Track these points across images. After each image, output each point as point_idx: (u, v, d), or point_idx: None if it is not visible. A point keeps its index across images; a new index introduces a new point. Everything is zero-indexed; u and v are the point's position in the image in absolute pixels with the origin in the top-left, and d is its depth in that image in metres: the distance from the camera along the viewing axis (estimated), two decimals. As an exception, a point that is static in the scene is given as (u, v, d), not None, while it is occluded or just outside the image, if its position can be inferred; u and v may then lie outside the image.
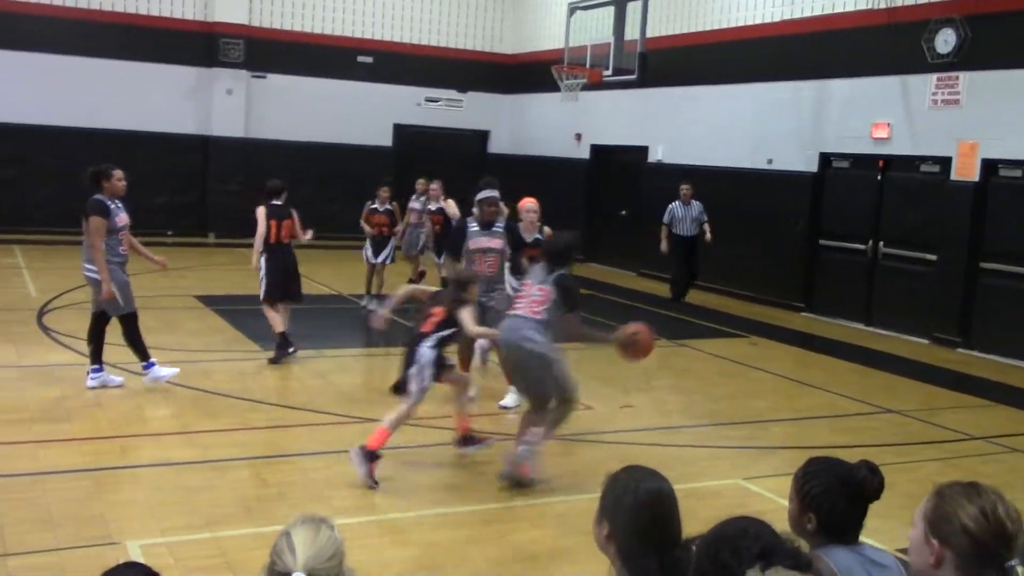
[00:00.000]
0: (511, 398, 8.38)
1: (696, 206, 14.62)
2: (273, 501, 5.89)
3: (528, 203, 9.07)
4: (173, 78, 18.97)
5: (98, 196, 8.03)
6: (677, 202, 14.67)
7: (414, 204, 13.97)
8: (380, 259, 13.00)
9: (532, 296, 6.48)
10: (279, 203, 9.68)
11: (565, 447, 7.39)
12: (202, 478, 6.26)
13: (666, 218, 14.77)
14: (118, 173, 8.18)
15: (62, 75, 17.96)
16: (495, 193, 8.65)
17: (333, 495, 6.05)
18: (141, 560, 4.66)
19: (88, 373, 8.19)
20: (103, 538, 5.17)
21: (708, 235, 14.50)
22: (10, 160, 17.60)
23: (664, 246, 14.75)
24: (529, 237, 8.95)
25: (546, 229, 8.91)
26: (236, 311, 11.89)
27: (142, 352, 8.20)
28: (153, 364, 8.21)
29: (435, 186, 13.42)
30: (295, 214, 9.72)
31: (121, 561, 4.68)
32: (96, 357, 8.18)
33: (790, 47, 14.83)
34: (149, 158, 18.54)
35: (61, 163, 17.72)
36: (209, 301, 12.53)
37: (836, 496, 2.71)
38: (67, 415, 7.41)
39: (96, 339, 8.17)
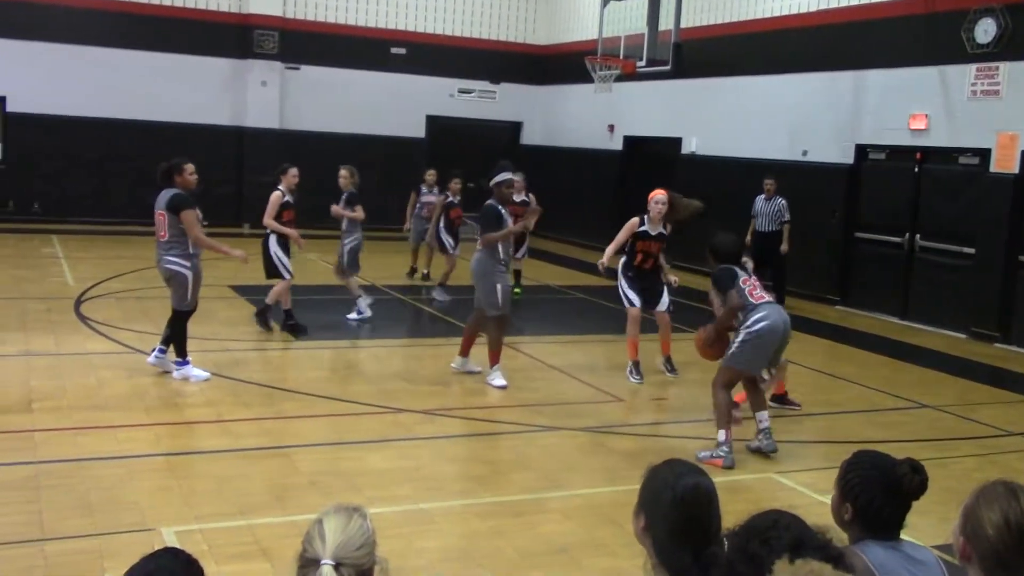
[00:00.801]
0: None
1: (777, 202, 13.94)
2: (304, 490, 5.93)
3: (658, 195, 9.53)
4: (209, 70, 19.12)
5: (177, 190, 8.20)
6: (761, 196, 14.20)
7: (430, 197, 14.31)
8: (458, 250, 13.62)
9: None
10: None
11: (597, 439, 7.38)
12: (235, 466, 6.32)
13: (752, 211, 14.31)
14: (189, 167, 8.44)
15: (101, 67, 18.15)
16: (510, 175, 8.91)
17: (364, 484, 6.08)
18: (176, 546, 4.72)
19: (153, 350, 8.40)
20: (139, 524, 5.24)
21: (784, 244, 13.78)
22: (50, 151, 17.80)
23: (747, 240, 13.96)
24: (654, 230, 9.48)
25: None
26: (270, 301, 11.95)
27: (182, 348, 8.30)
28: (187, 363, 8.30)
29: (519, 179, 12.93)
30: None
31: (157, 547, 4.75)
32: (168, 341, 8.35)
33: (827, 37, 14.68)
34: (185, 150, 18.62)
35: (100, 154, 17.97)
36: (243, 291, 12.64)
37: (874, 489, 2.71)
38: (104, 403, 7.51)
39: (181, 332, 8.32)
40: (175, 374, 8.27)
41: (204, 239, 8.29)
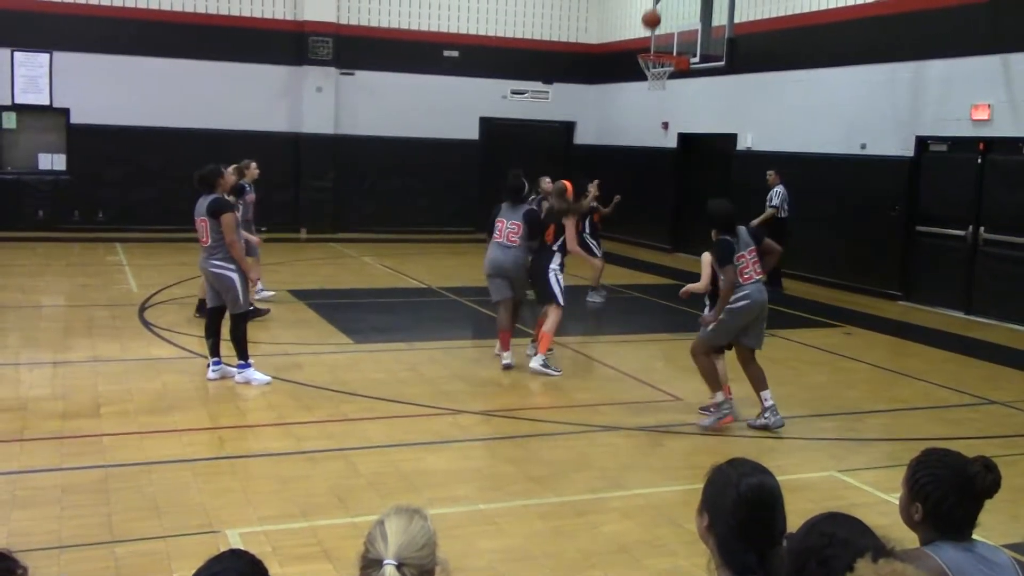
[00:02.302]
0: None
1: (773, 191, 14.91)
2: (365, 491, 5.99)
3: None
4: (265, 77, 19.40)
5: (216, 195, 8.37)
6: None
7: None
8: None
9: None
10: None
11: (654, 438, 7.35)
12: (297, 468, 6.40)
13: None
14: (230, 170, 8.86)
15: (160, 78, 18.52)
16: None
17: (424, 486, 6.12)
18: (241, 547, 4.79)
19: (208, 366, 8.48)
20: (205, 526, 5.33)
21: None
22: (113, 161, 18.20)
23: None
24: None
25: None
26: (328, 304, 12.12)
27: (243, 351, 8.43)
28: (249, 365, 8.43)
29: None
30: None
31: (223, 548, 4.83)
32: (215, 350, 8.48)
33: (884, 28, 14.44)
34: (242, 156, 18.94)
35: (161, 163, 18.31)
36: (301, 295, 12.79)
37: (945, 488, 2.64)
38: (169, 407, 7.66)
39: (215, 333, 8.47)
40: (237, 377, 8.40)
41: (237, 247, 8.31)
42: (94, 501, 5.65)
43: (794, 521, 2.38)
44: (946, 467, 2.69)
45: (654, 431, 7.48)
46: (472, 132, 21.19)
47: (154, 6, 18.56)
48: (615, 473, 6.55)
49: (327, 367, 9.20)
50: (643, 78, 17.66)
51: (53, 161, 18.35)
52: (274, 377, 8.53)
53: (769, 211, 14.79)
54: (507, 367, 9.21)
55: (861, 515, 2.20)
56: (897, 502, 2.84)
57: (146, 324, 10.70)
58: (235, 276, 8.28)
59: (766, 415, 7.44)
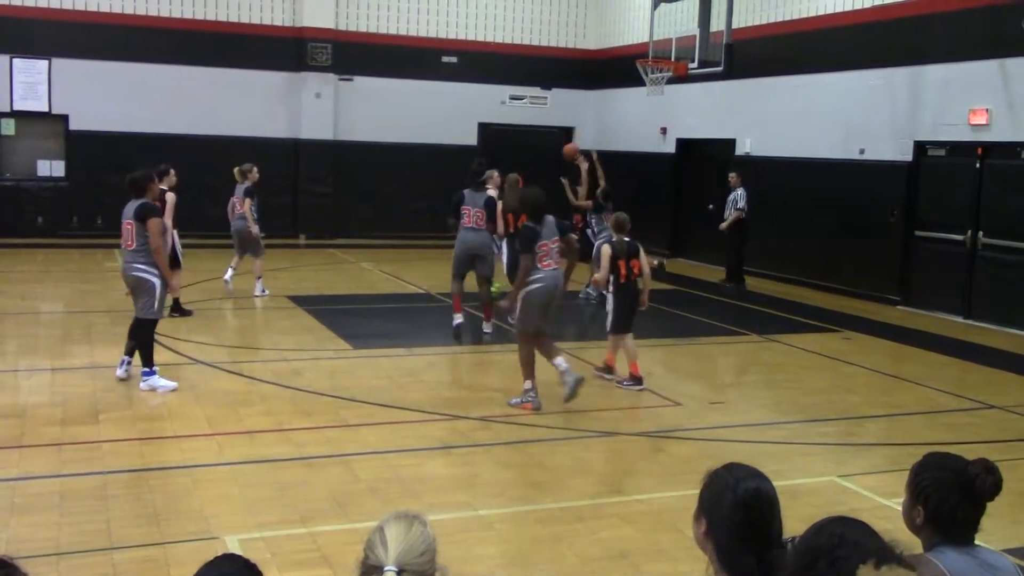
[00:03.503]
0: None
1: (735, 193, 15.71)
2: (365, 497, 5.98)
3: None
4: (264, 83, 19.40)
5: (145, 200, 8.49)
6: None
7: None
8: None
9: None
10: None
11: (654, 444, 7.34)
12: (296, 474, 6.39)
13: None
14: (155, 179, 9.06)
15: (158, 84, 18.51)
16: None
17: (423, 491, 6.12)
18: (240, 553, 4.78)
19: (142, 374, 8.36)
20: (203, 532, 5.32)
21: (723, 224, 15.89)
22: (112, 167, 18.16)
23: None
24: None
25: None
26: (327, 310, 12.11)
27: (148, 358, 8.34)
28: (154, 372, 8.33)
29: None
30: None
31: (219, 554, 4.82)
32: (132, 351, 8.50)
33: (882, 33, 14.45)
34: (242, 162, 18.98)
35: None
36: (301, 301, 12.78)
37: (946, 490, 2.64)
38: (168, 413, 7.64)
39: (148, 341, 8.43)
40: (141, 385, 8.27)
41: (162, 252, 8.41)
42: (93, 508, 5.63)
43: (796, 527, 2.37)
44: (947, 469, 2.69)
45: (654, 436, 7.48)
46: (471, 138, 21.19)
47: (153, 12, 18.57)
48: (615, 478, 6.55)
49: (326, 373, 9.19)
50: (642, 83, 17.67)
51: (52, 168, 18.34)
52: (273, 383, 8.52)
53: (735, 213, 15.59)
54: (458, 326, 10.72)
55: (863, 520, 2.19)
56: (898, 507, 2.84)
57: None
58: (156, 281, 8.31)
59: (564, 378, 7.90)
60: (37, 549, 4.97)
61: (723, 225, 15.80)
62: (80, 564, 4.93)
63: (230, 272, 13.01)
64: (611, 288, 8.87)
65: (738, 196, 15.66)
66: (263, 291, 12.92)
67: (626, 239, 9.02)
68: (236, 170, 13.41)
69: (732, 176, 15.88)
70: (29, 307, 12.12)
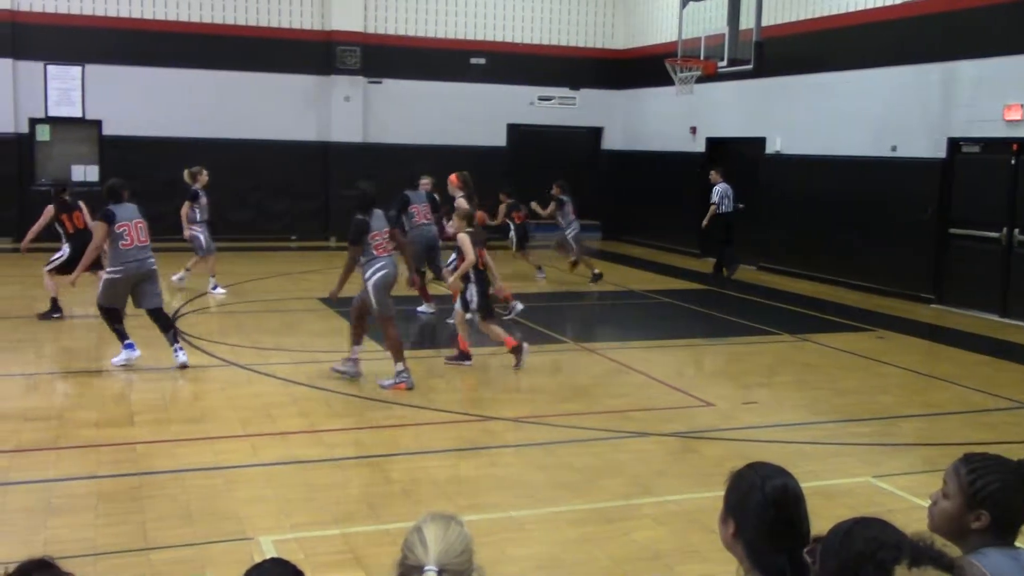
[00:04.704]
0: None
1: (715, 188, 16.24)
2: (397, 498, 6.00)
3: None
4: (294, 87, 19.53)
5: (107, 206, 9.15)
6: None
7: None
8: None
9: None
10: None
11: (686, 444, 7.31)
12: (329, 475, 6.42)
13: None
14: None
15: (189, 89, 18.70)
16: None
17: (455, 492, 6.12)
18: (274, 554, 4.81)
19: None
20: (237, 533, 5.36)
21: (704, 221, 16.47)
22: (144, 171, 18.33)
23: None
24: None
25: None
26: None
27: (119, 336, 9.13)
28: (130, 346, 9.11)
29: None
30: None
31: (255, 556, 4.85)
32: (122, 336, 9.15)
33: (913, 29, 14.31)
34: (273, 166, 19.16)
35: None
36: (331, 303, 12.79)
37: (1014, 494, 2.57)
38: (201, 415, 7.71)
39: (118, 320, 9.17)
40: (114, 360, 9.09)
41: (91, 249, 9.26)
42: (129, 509, 5.69)
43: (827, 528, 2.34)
44: (1010, 472, 2.60)
45: (686, 437, 7.45)
46: (500, 139, 21.21)
47: (184, 18, 18.74)
48: (646, 479, 6.52)
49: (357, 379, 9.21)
50: (670, 83, 17.63)
51: (86, 172, 18.56)
52: (305, 384, 8.57)
53: (711, 208, 16.20)
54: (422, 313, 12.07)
55: (897, 521, 2.16)
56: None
57: (179, 333, 10.76)
58: (105, 277, 9.11)
59: (347, 362, 8.72)
60: (75, 550, 5.03)
61: (704, 223, 16.38)
62: (117, 564, 4.98)
63: (183, 272, 13.76)
64: (472, 277, 9.37)
65: (713, 192, 16.18)
66: (215, 288, 13.33)
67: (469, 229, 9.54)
68: (186, 172, 13.90)
69: (713, 173, 16.39)
70: (64, 311, 12.24)
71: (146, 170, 18.35)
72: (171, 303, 12.63)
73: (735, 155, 18.50)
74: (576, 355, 10.52)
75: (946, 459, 2.86)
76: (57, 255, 11.25)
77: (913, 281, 14.32)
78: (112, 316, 9.16)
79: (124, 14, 18.41)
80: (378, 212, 8.86)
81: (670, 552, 5.31)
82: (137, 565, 4.95)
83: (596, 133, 22.33)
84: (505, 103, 20.99)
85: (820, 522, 2.46)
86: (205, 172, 13.78)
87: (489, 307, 9.60)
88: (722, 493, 2.59)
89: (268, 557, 2.41)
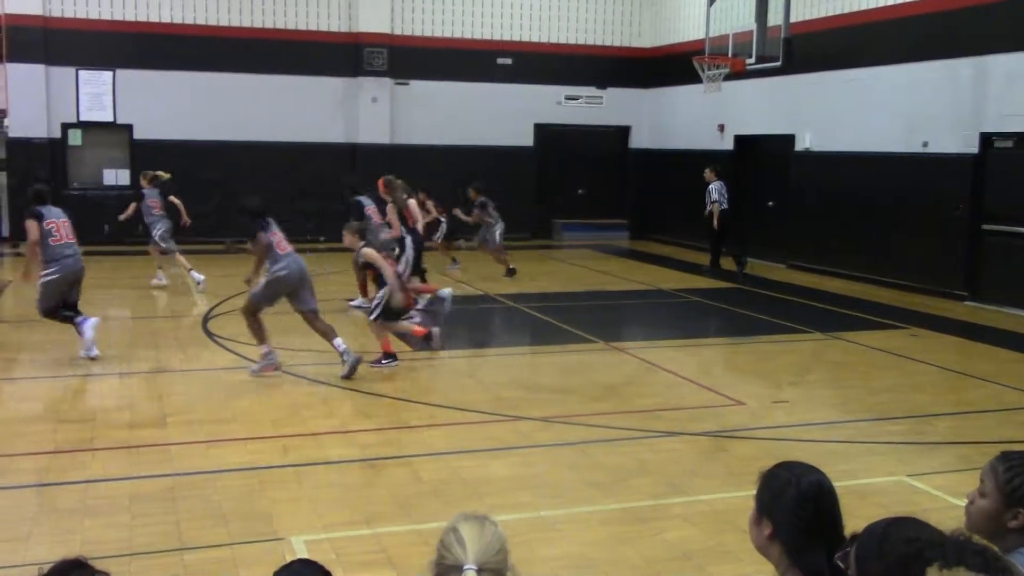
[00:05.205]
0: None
1: (709, 187, 16.38)
2: (428, 498, 6.01)
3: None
4: (322, 89, 19.64)
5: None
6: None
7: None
8: None
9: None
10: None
11: (717, 443, 7.28)
12: (360, 476, 6.45)
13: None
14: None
15: (218, 92, 18.86)
16: None
17: (485, 492, 6.13)
18: (306, 555, 4.84)
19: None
20: (270, 534, 5.39)
21: (715, 222, 16.47)
22: (175, 174, 18.45)
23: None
24: None
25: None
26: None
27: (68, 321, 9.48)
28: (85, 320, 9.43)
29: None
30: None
31: (288, 556, 4.88)
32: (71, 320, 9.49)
33: (944, 23, 14.16)
34: (301, 167, 19.27)
35: (220, 176, 18.61)
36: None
37: None
38: (233, 416, 7.76)
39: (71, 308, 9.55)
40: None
41: (30, 251, 9.55)
42: (162, 509, 5.74)
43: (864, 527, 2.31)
44: None
45: (716, 436, 7.41)
46: (527, 139, 21.22)
47: (212, 22, 18.90)
48: (677, 479, 6.49)
49: (386, 375, 9.25)
50: (698, 81, 17.55)
51: (117, 176, 18.75)
52: (335, 385, 8.61)
53: (713, 205, 16.26)
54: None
55: (933, 521, 2.13)
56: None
57: (209, 335, 10.87)
58: (41, 282, 9.35)
59: (344, 358, 8.82)
60: (110, 550, 5.07)
61: (715, 224, 16.45)
62: (151, 565, 5.02)
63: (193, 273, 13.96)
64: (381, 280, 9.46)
65: (712, 189, 16.31)
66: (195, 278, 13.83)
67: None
68: (151, 175, 14.69)
69: (707, 171, 16.55)
70: (97, 313, 12.34)
71: (176, 173, 18.51)
72: (199, 305, 12.75)
73: (764, 152, 18.41)
74: (605, 355, 10.49)
75: (982, 458, 2.83)
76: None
77: (946, 278, 14.17)
78: (55, 314, 9.52)
79: (154, 19, 18.59)
80: (269, 219, 9.20)
81: (701, 552, 5.28)
82: (171, 565, 4.99)
83: (623, 132, 22.27)
84: (532, 103, 20.99)
85: (854, 522, 2.44)
86: (151, 173, 14.69)
87: (391, 310, 9.46)
88: (754, 493, 2.58)
89: (297, 558, 2.42)
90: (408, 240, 11.91)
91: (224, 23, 18.98)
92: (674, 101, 21.03)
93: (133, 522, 5.55)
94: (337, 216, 19.71)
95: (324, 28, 19.70)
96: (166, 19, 18.66)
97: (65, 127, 18.44)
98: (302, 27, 19.53)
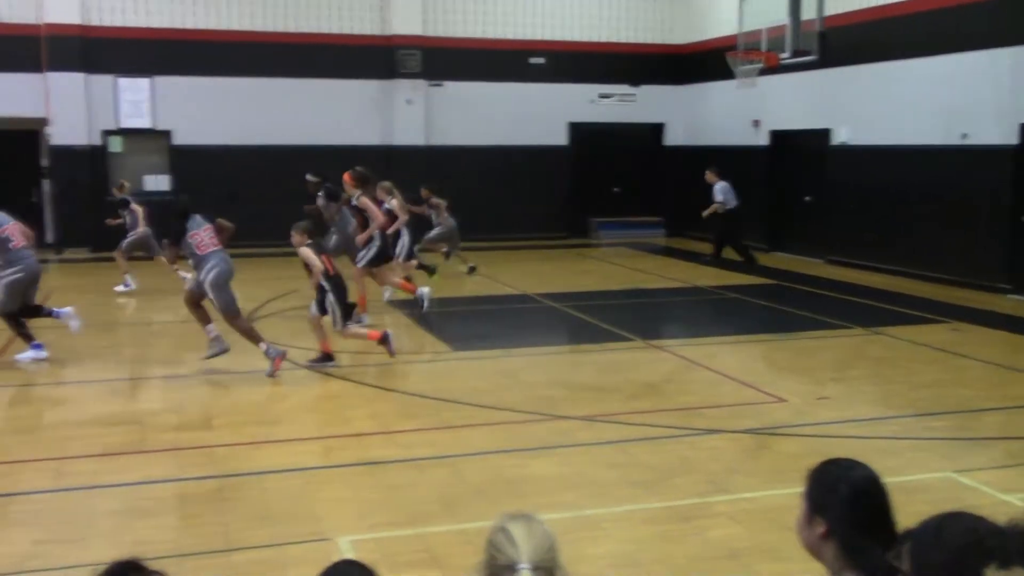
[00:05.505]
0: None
1: (714, 188, 16.99)
2: (472, 498, 6.04)
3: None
4: (357, 92, 19.77)
5: None
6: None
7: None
8: None
9: None
10: None
11: (761, 441, 7.25)
12: (403, 476, 6.49)
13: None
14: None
15: (255, 97, 19.05)
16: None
17: (528, 492, 6.15)
18: (352, 555, 4.89)
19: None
20: (316, 534, 5.44)
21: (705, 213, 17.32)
22: (213, 179, 18.70)
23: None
24: None
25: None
26: (426, 313, 12.22)
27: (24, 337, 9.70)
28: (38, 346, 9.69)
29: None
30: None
31: (334, 556, 4.93)
32: (27, 338, 9.72)
33: (982, 13, 13.97)
34: (338, 171, 19.34)
35: (257, 180, 18.77)
36: (399, 304, 12.94)
37: None
38: (277, 418, 7.85)
39: (18, 323, 9.72)
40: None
41: None
42: (210, 510, 5.82)
43: (911, 524, 2.29)
44: None
45: (759, 433, 7.38)
46: (561, 137, 21.22)
47: (246, 27, 19.07)
48: (720, 477, 6.47)
49: (427, 375, 9.32)
50: (732, 76, 17.46)
51: (157, 182, 19.00)
52: (377, 386, 8.68)
53: (714, 206, 16.93)
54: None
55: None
56: (1020, 503, 2.73)
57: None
58: (6, 281, 9.52)
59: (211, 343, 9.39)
60: (159, 551, 5.14)
61: (704, 213, 17.29)
62: (200, 565, 5.09)
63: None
64: (327, 286, 9.37)
65: (717, 190, 16.85)
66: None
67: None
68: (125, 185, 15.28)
69: (708, 173, 17.16)
70: (141, 317, 12.57)
71: (216, 178, 18.73)
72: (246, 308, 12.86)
73: (800, 147, 18.28)
74: (644, 352, 10.48)
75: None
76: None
77: (987, 271, 13.99)
78: (13, 321, 9.72)
79: (189, 25, 18.80)
80: (196, 216, 9.53)
81: (747, 551, 5.27)
82: (219, 566, 5.06)
83: (657, 129, 22.20)
84: (565, 102, 20.99)
85: (902, 518, 2.43)
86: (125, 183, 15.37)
87: (348, 313, 9.56)
88: (799, 490, 2.56)
89: (341, 559, 2.46)
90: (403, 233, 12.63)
91: (259, 28, 19.15)
92: (708, 97, 20.93)
93: (182, 523, 5.64)
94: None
95: (357, 31, 19.81)
96: (202, 25, 18.87)
97: (105, 134, 18.72)
98: (335, 31, 19.66)
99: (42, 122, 18.32)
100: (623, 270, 16.85)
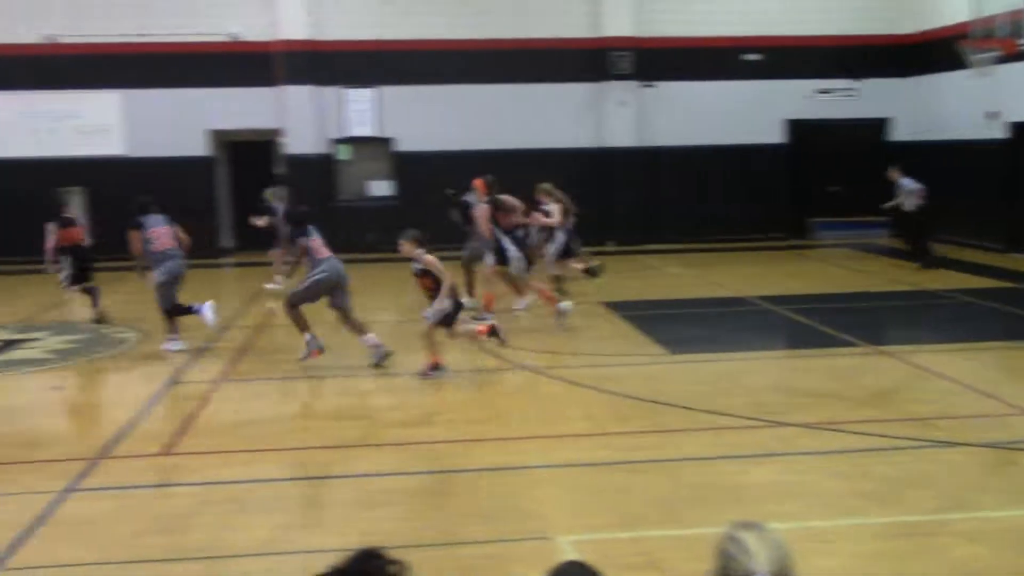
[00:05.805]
0: None
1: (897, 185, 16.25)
2: (690, 504, 5.93)
3: None
4: (569, 96, 19.94)
5: None
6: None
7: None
8: None
9: None
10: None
11: (1004, 456, 6.74)
12: (619, 478, 6.46)
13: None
14: None
15: (471, 103, 19.59)
16: None
17: (749, 499, 5.98)
18: (573, 556, 4.90)
19: None
20: (537, 532, 5.49)
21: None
22: (433, 184, 19.25)
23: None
24: None
25: None
26: (642, 316, 12.15)
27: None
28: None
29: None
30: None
31: (555, 555, 4.96)
32: None
33: None
34: (552, 174, 19.55)
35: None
36: (615, 307, 12.92)
37: None
38: (494, 416, 8.02)
39: None
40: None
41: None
42: (433, 504, 6.01)
43: None
44: None
45: (1004, 448, 6.86)
46: (776, 135, 20.59)
47: (460, 36, 19.61)
48: (957, 493, 6.07)
49: (643, 378, 9.24)
50: (963, 66, 16.40)
51: (380, 187, 19.91)
52: (593, 388, 8.69)
53: (896, 200, 16.23)
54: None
55: None
56: None
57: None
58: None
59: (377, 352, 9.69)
60: (385, 542, 5.27)
61: (886, 205, 16.84)
62: (425, 558, 5.22)
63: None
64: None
65: (902, 184, 16.13)
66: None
67: None
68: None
69: (891, 171, 16.49)
70: (362, 317, 13.09)
71: (435, 182, 19.33)
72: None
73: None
74: (871, 359, 9.98)
75: None
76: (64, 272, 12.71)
77: None
78: (176, 311, 10.66)
79: (410, 36, 19.54)
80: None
81: (990, 572, 4.92)
82: (444, 559, 5.19)
83: (880, 124, 21.14)
84: (781, 98, 20.34)
85: None
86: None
87: (456, 313, 9.29)
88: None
89: (567, 560, 2.48)
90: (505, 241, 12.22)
91: (475, 36, 19.63)
92: (938, 89, 19.70)
93: (406, 515, 5.83)
94: (585, 219, 19.98)
95: (569, 35, 19.96)
96: (421, 36, 19.55)
97: (333, 143, 19.75)
98: (548, 35, 19.89)
99: (276, 132, 19.53)
100: (844, 272, 16.16)
